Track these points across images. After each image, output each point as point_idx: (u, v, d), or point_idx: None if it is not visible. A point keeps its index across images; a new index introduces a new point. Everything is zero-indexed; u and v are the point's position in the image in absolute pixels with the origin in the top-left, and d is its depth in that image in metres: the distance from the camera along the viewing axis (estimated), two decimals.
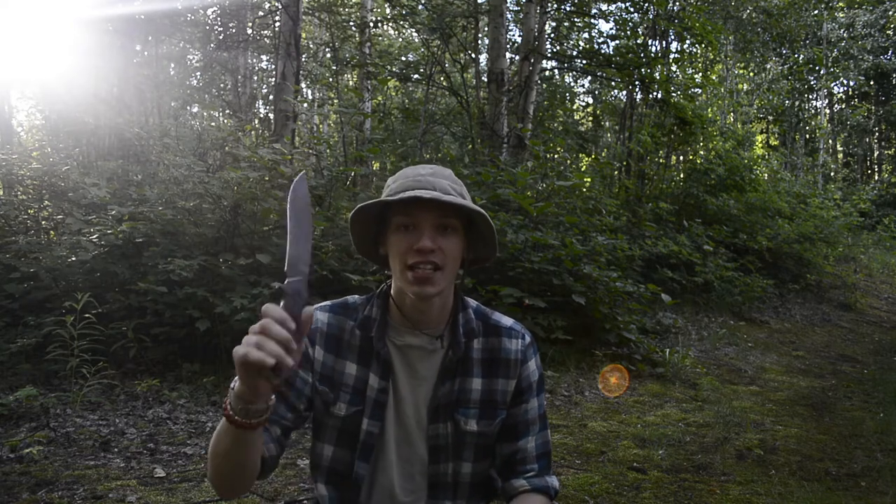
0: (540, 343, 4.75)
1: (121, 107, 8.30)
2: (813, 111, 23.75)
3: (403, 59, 14.28)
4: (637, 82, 9.78)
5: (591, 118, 17.58)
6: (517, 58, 9.32)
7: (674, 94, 9.71)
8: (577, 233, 6.12)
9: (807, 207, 11.57)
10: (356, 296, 1.30)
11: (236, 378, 0.93)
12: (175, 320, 4.30)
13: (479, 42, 11.71)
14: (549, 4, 9.61)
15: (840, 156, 26.66)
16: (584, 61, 10.68)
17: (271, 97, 12.30)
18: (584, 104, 17.99)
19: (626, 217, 8.23)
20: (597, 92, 16.74)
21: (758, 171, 11.63)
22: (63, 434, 3.17)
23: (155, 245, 4.56)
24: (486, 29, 10.92)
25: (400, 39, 16.34)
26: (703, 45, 11.28)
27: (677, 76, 10.84)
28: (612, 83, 12.34)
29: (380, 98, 14.91)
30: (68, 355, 3.75)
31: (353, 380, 1.22)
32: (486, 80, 9.34)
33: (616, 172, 10.49)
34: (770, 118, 20.51)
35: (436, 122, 11.55)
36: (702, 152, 12.00)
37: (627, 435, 3.59)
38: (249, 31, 12.21)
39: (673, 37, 10.98)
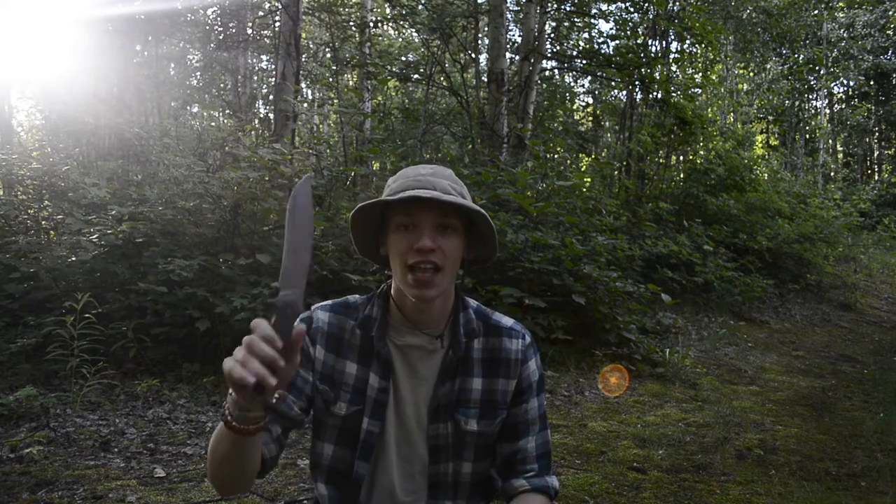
0: (540, 343, 4.75)
1: (121, 107, 8.30)
2: (813, 111, 23.75)
3: (403, 59, 14.28)
4: (637, 82, 9.78)
5: (591, 118, 17.58)
6: (517, 58, 9.32)
7: (674, 94, 9.71)
8: (577, 233, 6.12)
9: (807, 207, 11.57)
10: (357, 295, 1.30)
11: None
12: (175, 320, 4.30)
13: (479, 42, 11.71)
14: (549, 4, 9.61)
15: (840, 156, 26.66)
16: (584, 61, 10.68)
17: (271, 97, 12.30)
18: (584, 104, 18.00)
19: (626, 217, 8.23)
20: (597, 92, 16.74)
21: (758, 171, 11.63)
22: (63, 434, 3.17)
23: (155, 245, 4.56)
24: (486, 29, 10.92)
25: (400, 39, 16.34)
26: (703, 45, 11.28)
27: (677, 76, 10.84)
28: (612, 83, 12.34)
29: (380, 98, 14.91)
30: (68, 355, 3.75)
31: (354, 379, 1.22)
32: (486, 80, 9.34)
33: (616, 172, 10.49)
34: (770, 118, 20.51)
35: (436, 122, 11.55)
36: (702, 152, 12.00)
37: (627, 435, 3.59)
38: (249, 31, 12.21)
39: (673, 37, 10.98)
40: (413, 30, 14.00)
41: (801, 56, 18.48)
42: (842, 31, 21.73)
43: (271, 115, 9.86)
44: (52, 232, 5.74)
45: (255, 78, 14.46)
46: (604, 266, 5.75)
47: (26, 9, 8.37)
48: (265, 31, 12.83)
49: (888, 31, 22.52)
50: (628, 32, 10.29)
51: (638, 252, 7.00)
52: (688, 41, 10.98)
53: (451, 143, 12.67)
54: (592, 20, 10.71)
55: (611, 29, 21.96)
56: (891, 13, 22.01)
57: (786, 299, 9.28)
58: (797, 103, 20.47)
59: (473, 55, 11.41)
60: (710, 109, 12.89)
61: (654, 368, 5.13)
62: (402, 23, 13.08)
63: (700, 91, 12.08)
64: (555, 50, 11.70)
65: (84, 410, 3.56)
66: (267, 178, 4.88)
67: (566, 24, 11.99)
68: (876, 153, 26.80)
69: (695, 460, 3.25)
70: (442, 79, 10.92)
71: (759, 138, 19.19)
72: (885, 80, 23.69)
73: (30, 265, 4.58)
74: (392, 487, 1.23)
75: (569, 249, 5.31)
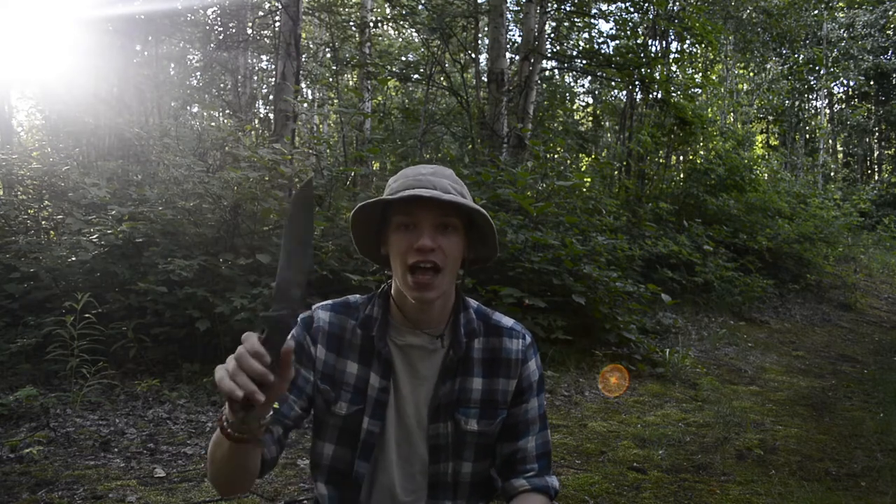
0: (540, 343, 4.75)
1: (121, 107, 8.30)
2: (813, 111, 23.75)
3: (403, 59, 14.28)
4: (637, 82, 9.78)
5: (591, 118, 17.58)
6: (517, 58, 9.32)
7: (674, 94, 9.71)
8: (577, 233, 6.12)
9: (807, 207, 11.58)
10: (357, 295, 1.30)
11: None
12: (175, 320, 4.30)
13: (479, 42, 11.71)
14: (549, 4, 9.61)
15: (840, 156, 26.66)
16: (584, 61, 10.68)
17: (271, 97, 12.30)
18: (584, 104, 18.00)
19: (626, 217, 8.23)
20: (597, 92, 16.74)
21: (758, 171, 11.63)
22: (63, 434, 3.17)
23: (155, 245, 4.56)
24: (486, 29, 10.92)
25: (400, 39, 16.34)
26: (703, 45, 11.28)
27: (677, 76, 10.84)
28: (612, 83, 12.34)
29: (380, 98, 14.91)
30: (68, 355, 3.74)
31: (355, 379, 1.22)
32: (486, 80, 9.34)
33: (616, 172, 10.49)
34: (770, 118, 20.51)
35: (436, 122, 11.55)
36: (702, 152, 12.00)
37: (627, 435, 3.59)
38: (249, 31, 12.21)
39: (673, 37, 10.98)
40: (413, 30, 14.00)
41: (801, 56, 18.48)
42: (842, 31, 21.73)
43: (271, 115, 9.86)
44: (52, 232, 5.74)
45: (255, 78, 14.46)
46: (604, 266, 5.75)
47: (26, 9, 8.37)
48: (265, 31, 12.82)
49: (888, 31, 22.52)
50: (628, 32, 10.29)
51: (638, 252, 7.00)
52: (688, 41, 10.99)
53: (451, 143, 12.67)
54: (592, 20, 10.71)
55: (611, 29, 21.99)
56: (891, 13, 22.01)
57: (786, 299, 9.28)
58: (797, 103, 20.47)
59: (473, 55, 11.41)
60: (710, 109, 12.89)
61: (654, 368, 5.13)
62: (402, 23, 13.08)
63: (700, 91, 12.08)
64: (555, 50, 11.70)
65: (84, 410, 3.56)
66: (267, 178, 4.88)
67: (566, 24, 11.99)
68: (876, 153, 26.80)
69: (695, 460, 3.25)
70: (442, 79, 10.92)
71: (759, 138, 19.20)
72: (885, 80, 23.69)
73: (30, 265, 4.58)
74: (392, 487, 1.23)
75: (569, 249, 5.31)
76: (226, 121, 13.24)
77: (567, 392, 4.46)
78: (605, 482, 2.90)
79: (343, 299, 1.29)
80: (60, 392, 3.70)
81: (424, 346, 1.23)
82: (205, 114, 14.08)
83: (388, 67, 12.14)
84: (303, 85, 13.95)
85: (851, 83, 24.85)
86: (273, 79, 11.61)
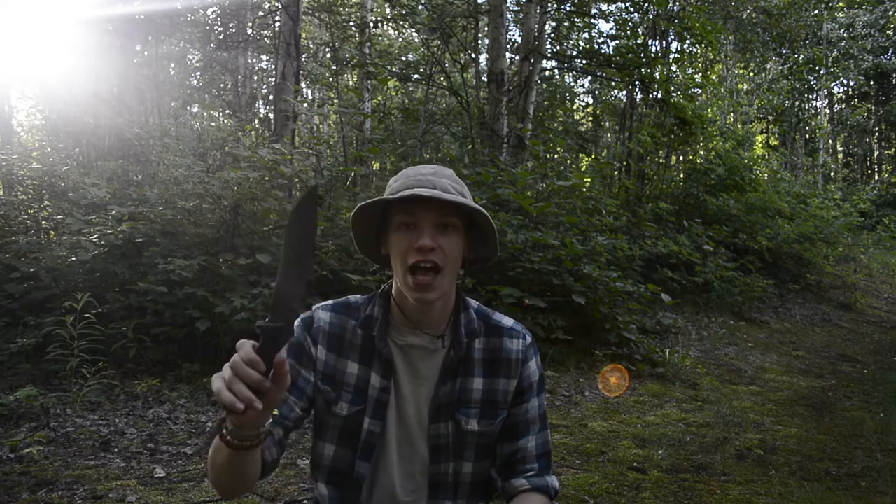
0: (540, 343, 4.75)
1: (121, 107, 8.30)
2: (813, 111, 23.76)
3: (403, 59, 14.28)
4: (637, 82, 9.78)
5: (591, 118, 17.58)
6: (517, 58, 9.32)
7: (674, 94, 9.71)
8: (577, 233, 6.12)
9: (807, 207, 11.58)
10: (357, 295, 1.30)
11: None
12: (175, 320, 4.30)
13: (479, 42, 11.71)
14: (549, 4, 9.61)
15: (840, 156, 26.66)
16: (584, 61, 10.68)
17: (271, 97, 12.30)
18: (584, 104, 18.00)
19: (626, 217, 8.23)
20: (597, 92, 16.75)
21: (758, 171, 11.63)
22: (63, 434, 3.17)
23: (155, 245, 4.57)
24: (486, 29, 10.92)
25: (400, 39, 16.34)
26: (703, 45, 11.28)
27: (677, 76, 10.84)
28: (612, 83, 12.34)
29: (380, 98, 14.91)
30: (68, 355, 3.74)
31: (355, 379, 1.22)
32: (486, 80, 9.34)
33: (616, 172, 10.49)
34: (770, 118, 20.52)
35: (436, 122, 11.55)
36: (702, 152, 12.00)
37: (627, 435, 3.59)
38: (249, 31, 12.21)
39: (673, 37, 10.98)
40: (413, 30, 14.00)
41: (801, 56, 18.48)
42: (842, 31, 21.73)
43: (271, 115, 9.87)
44: (52, 232, 5.74)
45: (255, 78, 14.46)
46: (604, 266, 5.75)
47: (26, 9, 8.37)
48: (265, 31, 12.83)
49: (888, 31, 22.52)
50: (628, 32, 10.29)
51: (638, 252, 7.00)
52: (688, 41, 10.99)
53: (451, 143, 12.67)
54: (592, 20, 10.71)
55: (611, 29, 21.98)
56: (891, 13, 22.01)
57: (786, 299, 9.28)
58: (797, 103, 20.48)
59: (473, 55, 11.41)
60: (710, 109, 12.89)
61: (654, 368, 5.13)
62: (402, 23, 13.08)
63: (700, 91, 12.08)
64: (555, 50, 11.70)
65: (84, 410, 3.56)
66: (267, 178, 4.89)
67: (566, 24, 11.99)
68: (876, 153, 26.80)
69: (695, 460, 3.25)
70: (442, 79, 10.92)
71: (759, 138, 19.20)
72: (885, 80, 23.69)
73: (30, 265, 4.58)
74: (392, 487, 1.23)
75: (569, 249, 5.31)
76: (226, 121, 13.24)
77: (567, 392, 4.46)
78: (605, 482, 2.90)
79: (343, 299, 1.29)
80: (60, 392, 3.70)
81: (425, 347, 1.23)
82: (205, 114, 14.09)
83: (388, 67, 12.14)
84: (303, 85, 13.95)
85: (851, 83, 24.86)
86: (273, 79, 11.62)
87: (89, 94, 8.35)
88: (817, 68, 19.27)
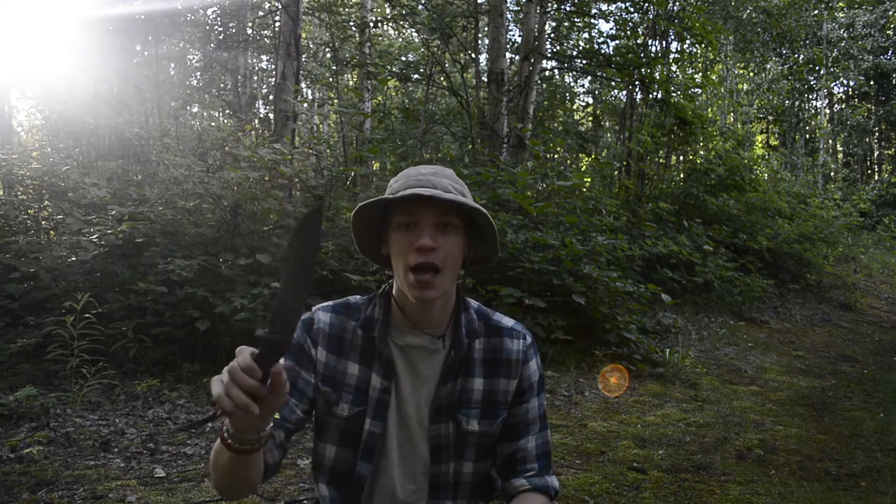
0: (540, 343, 4.75)
1: (121, 107, 8.30)
2: (813, 111, 23.76)
3: (403, 59, 14.28)
4: (637, 82, 9.78)
5: (591, 118, 17.58)
6: (517, 58, 9.32)
7: (674, 94, 9.71)
8: (577, 233, 6.12)
9: (807, 207, 11.58)
10: (358, 296, 1.30)
11: None
12: (175, 320, 4.30)
13: (479, 42, 11.71)
14: (549, 4, 9.61)
15: (840, 156, 26.66)
16: (584, 61, 10.68)
17: (271, 97, 12.30)
18: (584, 104, 18.01)
19: (626, 217, 8.23)
20: (597, 92, 16.75)
21: (758, 171, 11.63)
22: (63, 434, 3.17)
23: (155, 245, 4.56)
24: (486, 29, 10.92)
25: (400, 39, 16.34)
26: (703, 45, 11.28)
27: (677, 76, 10.84)
28: (612, 83, 12.34)
29: (380, 98, 14.91)
30: (68, 355, 3.75)
31: (356, 380, 1.22)
32: (486, 80, 9.34)
33: (616, 172, 10.49)
34: (770, 118, 20.52)
35: (436, 122, 11.55)
36: (702, 152, 12.00)
37: (627, 435, 3.59)
38: (249, 31, 12.21)
39: (673, 37, 10.98)
40: (413, 30, 14.00)
41: (801, 56, 18.48)
42: (842, 31, 21.73)
43: (271, 115, 9.87)
44: (52, 232, 5.74)
45: (255, 78, 14.46)
46: (604, 266, 5.75)
47: (26, 9, 8.37)
48: (265, 31, 12.83)
49: (888, 31, 22.52)
50: (628, 32, 10.29)
51: (638, 252, 7.00)
52: (688, 41, 10.99)
53: (451, 143, 12.67)
54: (592, 20, 10.71)
55: (611, 29, 21.99)
56: (891, 13, 22.01)
57: (786, 299, 9.28)
58: (797, 103, 20.48)
59: (473, 55, 11.41)
60: (710, 109, 12.89)
61: (654, 368, 5.13)
62: (402, 23, 13.08)
63: (700, 91, 12.08)
64: (555, 50, 11.70)
65: (84, 410, 3.56)
66: (267, 178, 4.89)
67: (566, 24, 11.99)
68: (876, 153, 26.80)
69: (695, 460, 3.25)
70: (442, 79, 10.92)
71: (759, 138, 19.20)
72: (885, 80, 23.69)
73: (30, 265, 4.58)
74: (393, 488, 1.23)
75: (569, 249, 5.31)
76: (226, 121, 13.24)
77: (567, 392, 4.46)
78: (605, 482, 2.90)
79: (343, 300, 1.28)
80: (60, 392, 3.70)
81: (425, 347, 1.23)
82: (205, 114, 14.09)
83: (388, 67, 12.14)
84: (303, 85, 13.95)
85: (851, 83, 24.86)
86: (273, 79, 11.62)
87: (89, 94, 8.35)
88: (817, 68, 19.27)
